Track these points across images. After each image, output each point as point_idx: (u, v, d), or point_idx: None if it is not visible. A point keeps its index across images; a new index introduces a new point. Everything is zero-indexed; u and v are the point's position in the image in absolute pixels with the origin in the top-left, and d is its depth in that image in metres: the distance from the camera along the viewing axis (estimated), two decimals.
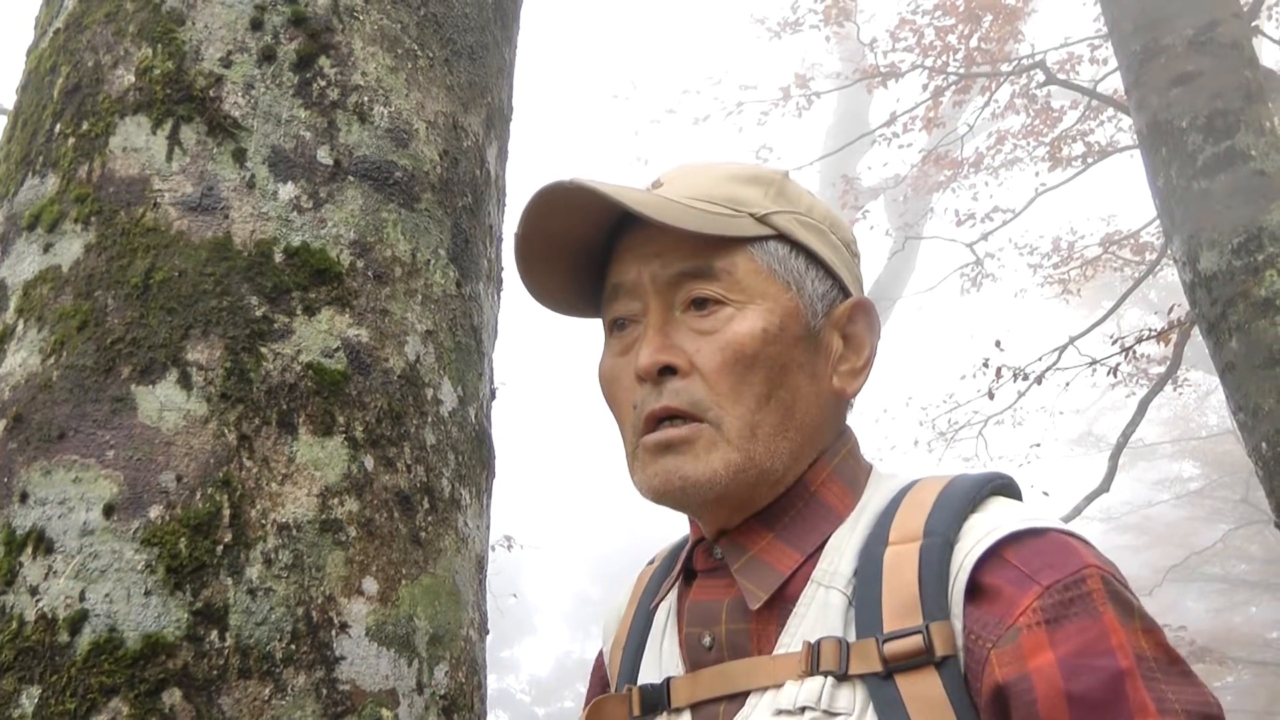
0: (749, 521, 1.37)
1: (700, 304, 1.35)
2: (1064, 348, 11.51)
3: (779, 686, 1.25)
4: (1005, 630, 1.14)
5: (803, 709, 1.20)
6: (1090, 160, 13.89)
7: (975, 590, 1.18)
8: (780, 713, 1.22)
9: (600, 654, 1.65)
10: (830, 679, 1.21)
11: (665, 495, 1.33)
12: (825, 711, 1.19)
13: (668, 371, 1.33)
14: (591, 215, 1.37)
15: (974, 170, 16.19)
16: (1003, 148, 15.78)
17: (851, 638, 1.22)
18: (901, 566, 1.23)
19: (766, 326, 1.33)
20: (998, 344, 11.23)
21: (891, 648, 1.18)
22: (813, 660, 1.23)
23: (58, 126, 1.90)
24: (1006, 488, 1.35)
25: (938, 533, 1.23)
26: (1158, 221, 10.48)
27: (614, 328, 1.43)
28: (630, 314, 1.40)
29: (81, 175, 1.83)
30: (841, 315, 1.41)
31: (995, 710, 1.13)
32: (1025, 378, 11.35)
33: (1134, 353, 10.38)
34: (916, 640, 1.17)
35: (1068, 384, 12.21)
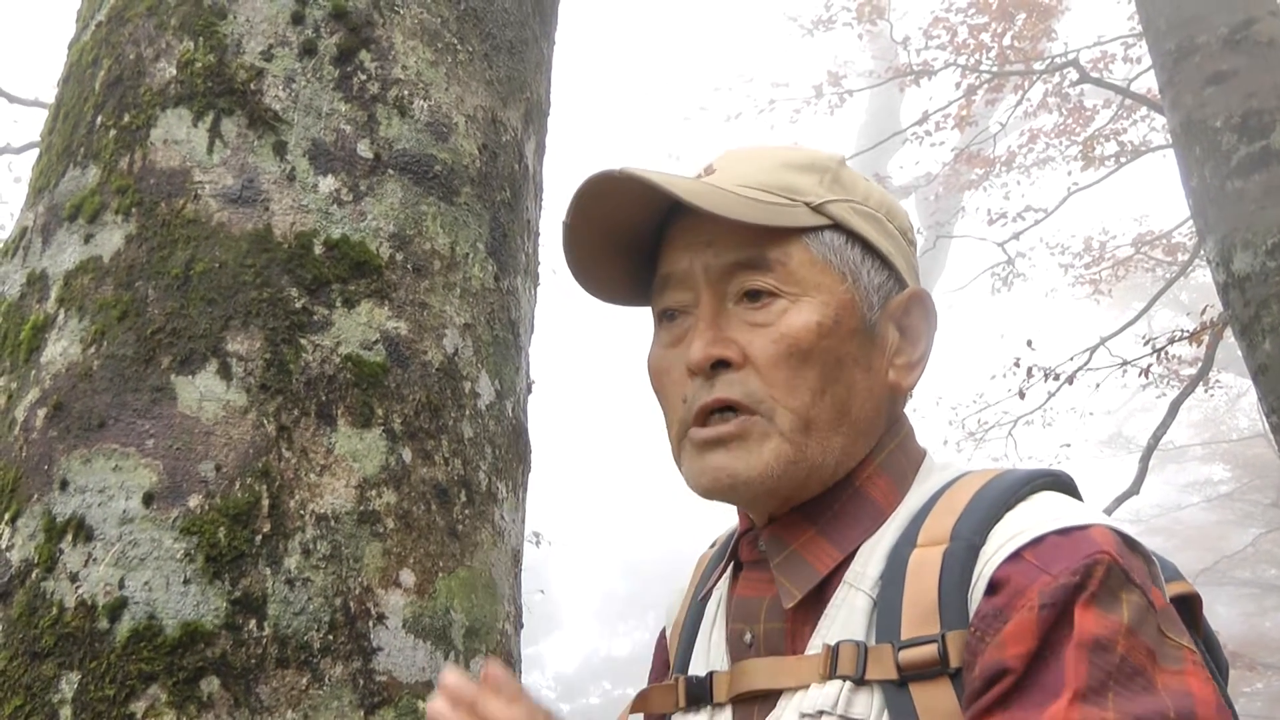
0: (793, 514, 1.34)
1: (754, 296, 1.31)
2: (1095, 348, 11.43)
3: (805, 688, 1.23)
4: (1002, 623, 1.10)
5: (820, 713, 1.19)
6: (1123, 160, 13.80)
7: (989, 590, 1.14)
8: (803, 716, 1.20)
9: (663, 632, 1.63)
10: (848, 683, 1.18)
11: (714, 492, 1.31)
12: (841, 717, 1.17)
13: (721, 365, 1.30)
14: (641, 204, 1.34)
15: (1006, 169, 16.10)
16: (1035, 146, 15.68)
17: (872, 642, 1.20)
18: (924, 571, 1.20)
19: (822, 319, 1.29)
20: (1029, 343, 11.17)
21: (906, 656, 1.16)
22: (831, 663, 1.21)
23: (99, 118, 1.91)
24: (1056, 484, 1.29)
25: (963, 537, 1.19)
26: (1190, 222, 10.42)
27: (664, 318, 1.39)
28: (681, 304, 1.36)
29: (123, 167, 1.84)
30: (898, 307, 1.37)
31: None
32: (1056, 378, 11.27)
33: (1165, 354, 10.30)
34: (931, 650, 1.15)
35: (1098, 385, 12.13)
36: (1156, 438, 9.89)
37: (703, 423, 1.31)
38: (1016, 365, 11.39)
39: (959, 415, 15.95)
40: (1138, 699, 1.03)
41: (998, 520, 1.20)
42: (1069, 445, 15.75)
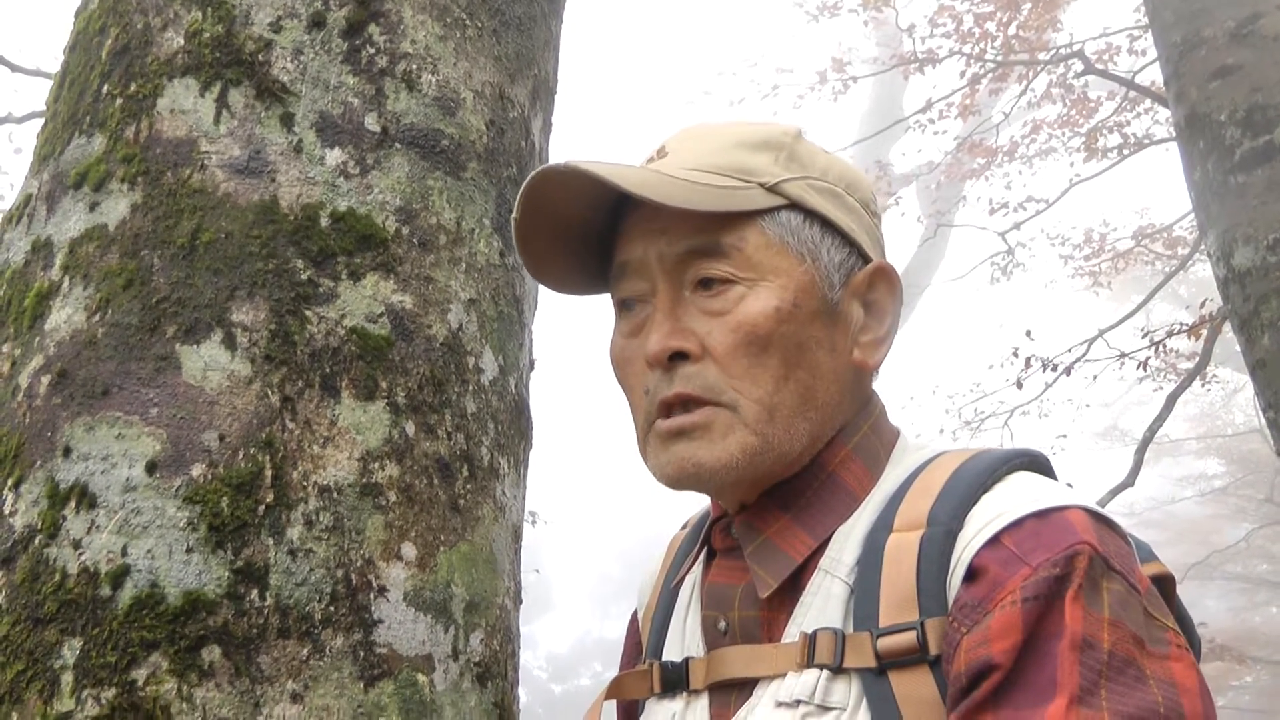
0: (764, 500, 1.33)
1: (709, 283, 1.29)
2: (1093, 340, 11.42)
3: (781, 677, 1.22)
4: (983, 615, 1.09)
5: (797, 702, 1.18)
6: (1126, 152, 13.77)
7: (968, 577, 1.13)
8: (780, 705, 1.20)
9: (635, 615, 1.63)
10: (825, 672, 1.18)
11: (680, 481, 1.30)
12: (819, 705, 1.17)
13: (679, 357, 1.29)
14: (591, 195, 1.31)
15: (1008, 159, 16.09)
16: (1038, 137, 15.67)
17: (850, 629, 1.19)
18: (901, 557, 1.19)
19: (780, 305, 1.27)
20: (1028, 333, 11.17)
21: (885, 643, 1.15)
22: (809, 652, 1.20)
23: (105, 87, 1.91)
24: (1032, 465, 1.28)
25: (940, 522, 1.18)
26: (1191, 216, 10.41)
27: (622, 307, 1.38)
28: (638, 293, 1.35)
29: (129, 136, 1.84)
30: (861, 282, 1.35)
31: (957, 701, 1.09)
32: (1053, 369, 11.26)
33: (1163, 347, 10.29)
34: (910, 637, 1.14)
35: (1095, 377, 12.14)
36: (1152, 431, 9.89)
37: (666, 414, 1.30)
38: (1014, 355, 11.40)
39: (956, 404, 15.97)
40: (1129, 695, 1.03)
41: (974, 503, 1.19)
42: (1065, 436, 15.76)
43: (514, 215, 1.34)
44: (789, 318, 1.28)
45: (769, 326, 1.27)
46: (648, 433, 1.32)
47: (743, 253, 1.29)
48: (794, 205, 1.32)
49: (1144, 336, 10.36)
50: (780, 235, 1.30)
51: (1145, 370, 11.01)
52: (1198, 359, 10.24)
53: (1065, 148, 15.20)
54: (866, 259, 1.37)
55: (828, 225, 1.34)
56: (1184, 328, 9.50)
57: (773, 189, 1.31)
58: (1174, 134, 7.29)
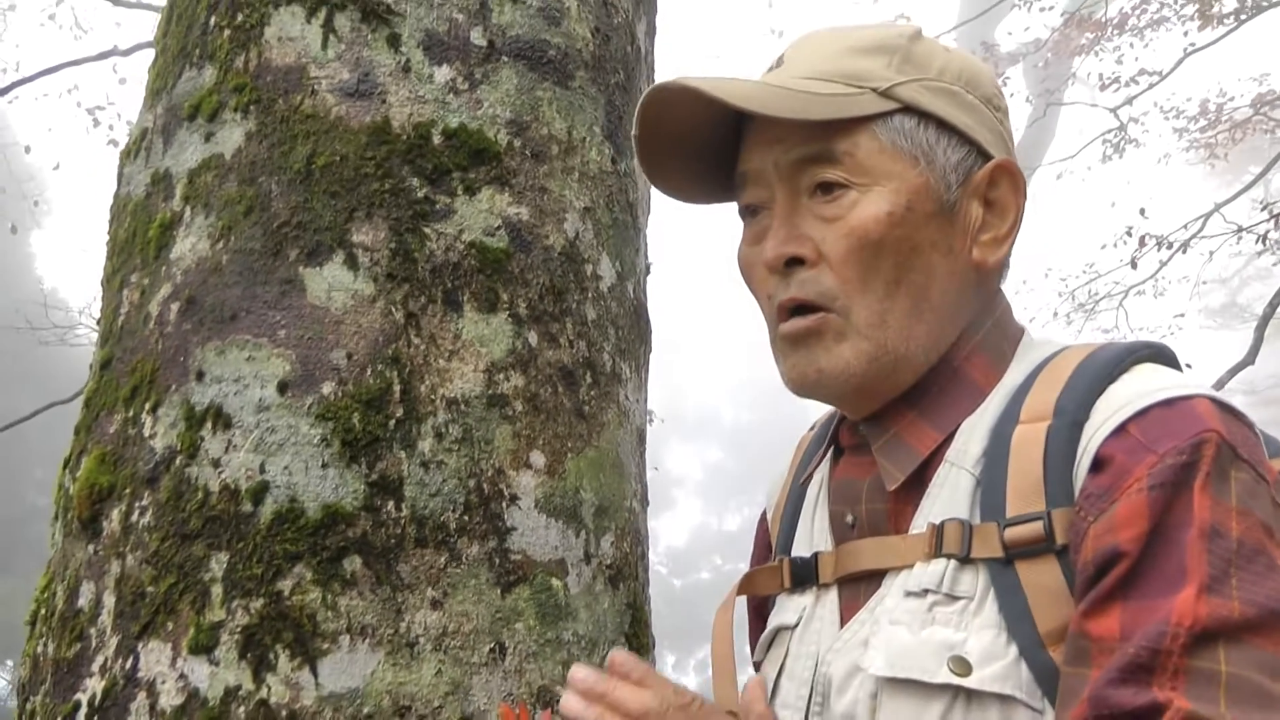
0: (893, 402, 1.34)
1: (825, 189, 1.30)
2: (1209, 214, 11.16)
3: (910, 567, 1.24)
4: (1109, 504, 1.10)
5: (925, 591, 1.20)
6: (1243, 17, 13.32)
7: (1094, 467, 1.14)
8: (909, 594, 1.22)
9: (764, 515, 1.65)
10: (953, 562, 1.20)
11: (804, 389, 1.33)
12: (947, 594, 1.19)
13: (795, 262, 1.31)
14: (708, 109, 1.31)
15: (1118, 32, 15.62)
16: (1149, 7, 15.21)
17: (976, 520, 1.21)
18: (1028, 448, 1.20)
19: (892, 209, 1.28)
20: (1142, 211, 10.93)
21: (1012, 533, 1.17)
22: (936, 542, 1.22)
23: (212, 19, 1.94)
24: (1158, 356, 1.28)
25: (1067, 412, 1.19)
26: None
27: (746, 214, 1.40)
28: (760, 201, 1.36)
29: (239, 65, 1.87)
30: (982, 180, 1.34)
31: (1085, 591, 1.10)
32: (1168, 246, 11.03)
33: None
34: (1037, 527, 1.15)
35: (1212, 253, 11.87)
36: (1273, 306, 9.67)
37: (786, 318, 1.32)
38: (1128, 234, 11.17)
39: (1069, 286, 15.70)
40: (1260, 583, 1.04)
41: (1100, 394, 1.20)
42: (1182, 315, 15.44)
43: (634, 132, 1.36)
44: (901, 221, 1.29)
45: (880, 231, 1.28)
46: (775, 337, 1.35)
47: (855, 158, 1.29)
48: (907, 108, 1.32)
49: (1263, 209, 10.09)
50: (893, 139, 1.30)
51: (1264, 244, 10.73)
52: None
53: (1178, 16, 14.73)
54: (988, 156, 1.36)
55: (943, 126, 1.33)
56: None
57: (885, 93, 1.31)
58: None
